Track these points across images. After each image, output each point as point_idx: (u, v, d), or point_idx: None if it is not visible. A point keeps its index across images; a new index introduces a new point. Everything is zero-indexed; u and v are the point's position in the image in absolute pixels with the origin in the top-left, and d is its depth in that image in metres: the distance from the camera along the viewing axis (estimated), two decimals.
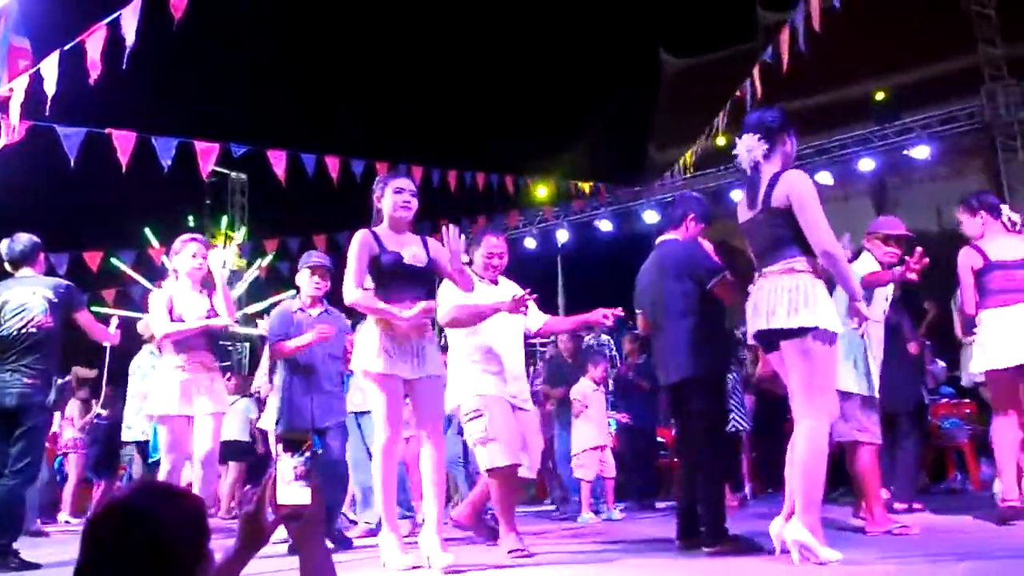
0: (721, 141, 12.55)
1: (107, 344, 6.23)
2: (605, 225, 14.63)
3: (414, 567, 3.95)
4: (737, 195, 13.17)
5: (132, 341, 7.49)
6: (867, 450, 4.77)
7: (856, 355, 4.74)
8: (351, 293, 4.10)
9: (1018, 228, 5.15)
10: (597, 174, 15.32)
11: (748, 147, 3.78)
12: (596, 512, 7.17)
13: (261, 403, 8.25)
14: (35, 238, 5.36)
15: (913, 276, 4.34)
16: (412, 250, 4.19)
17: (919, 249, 4.35)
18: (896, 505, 5.86)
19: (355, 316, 5.29)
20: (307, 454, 1.63)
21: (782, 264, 3.63)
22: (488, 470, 4.62)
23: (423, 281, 4.23)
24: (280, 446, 1.64)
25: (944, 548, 3.97)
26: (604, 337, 9.57)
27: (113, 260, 14.54)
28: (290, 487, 1.61)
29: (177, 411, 4.94)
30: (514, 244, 12.45)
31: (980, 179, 18.04)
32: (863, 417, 4.77)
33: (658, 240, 4.80)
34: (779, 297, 3.58)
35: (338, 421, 5.50)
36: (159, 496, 1.45)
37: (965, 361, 6.37)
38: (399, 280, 4.12)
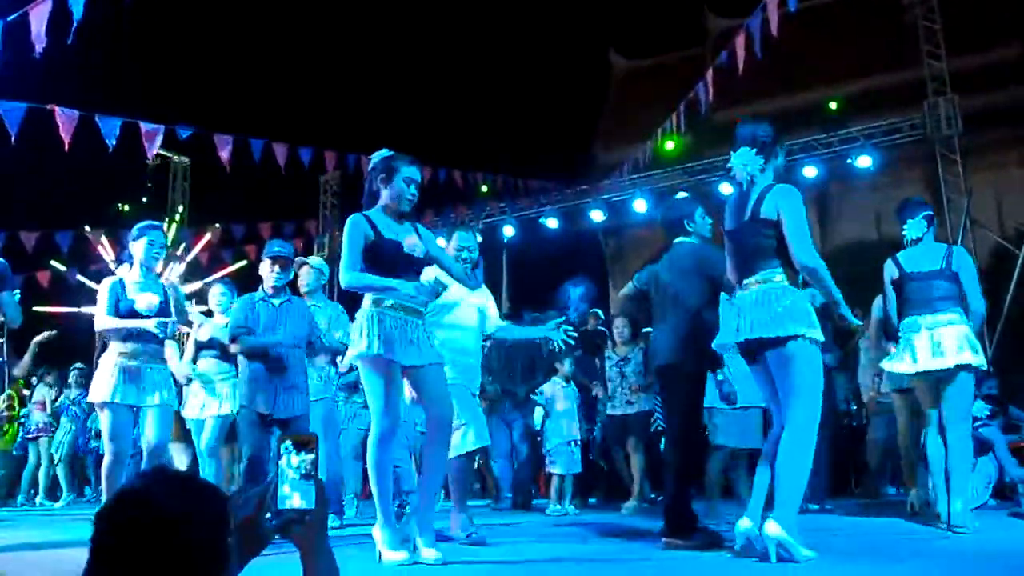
0: (670, 144, 12.64)
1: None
2: (551, 222, 14.63)
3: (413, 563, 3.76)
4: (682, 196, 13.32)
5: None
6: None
7: None
8: (347, 277, 3.85)
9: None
10: (544, 171, 15.44)
11: (744, 161, 3.79)
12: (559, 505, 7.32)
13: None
14: None
15: None
16: (410, 238, 3.97)
17: None
18: (809, 506, 6.06)
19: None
20: (314, 453, 1.50)
21: (762, 275, 3.70)
22: (465, 454, 4.79)
23: (419, 272, 3.98)
24: (285, 444, 1.51)
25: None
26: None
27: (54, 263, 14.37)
28: (293, 489, 1.47)
29: (120, 400, 4.69)
30: None
31: (919, 189, 18.43)
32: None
33: (675, 241, 4.71)
34: (763, 307, 3.63)
35: (298, 415, 5.24)
36: (183, 491, 1.30)
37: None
38: (396, 269, 3.87)
